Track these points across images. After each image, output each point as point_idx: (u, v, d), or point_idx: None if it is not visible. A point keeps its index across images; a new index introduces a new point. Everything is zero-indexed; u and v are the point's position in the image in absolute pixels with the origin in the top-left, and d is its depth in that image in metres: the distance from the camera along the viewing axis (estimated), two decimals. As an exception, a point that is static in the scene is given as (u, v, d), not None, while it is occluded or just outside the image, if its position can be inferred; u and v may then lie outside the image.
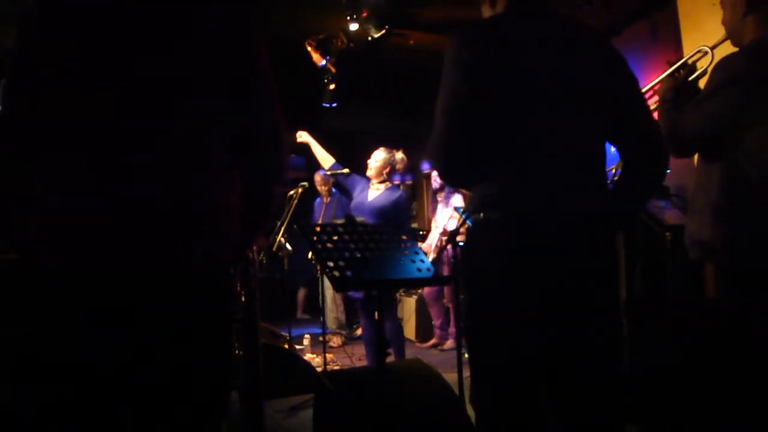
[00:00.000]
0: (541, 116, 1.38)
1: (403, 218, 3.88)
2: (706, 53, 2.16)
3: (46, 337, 1.07)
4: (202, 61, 1.20)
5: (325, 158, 4.07)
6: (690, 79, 2.14)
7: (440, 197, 5.42)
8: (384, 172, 3.91)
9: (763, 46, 1.83)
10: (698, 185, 1.95)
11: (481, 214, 1.39)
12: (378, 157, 3.93)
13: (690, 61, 2.18)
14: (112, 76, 1.13)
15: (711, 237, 1.86)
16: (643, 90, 1.97)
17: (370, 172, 3.95)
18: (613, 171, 2.53)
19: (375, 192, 3.89)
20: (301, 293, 7.58)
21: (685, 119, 1.92)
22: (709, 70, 1.97)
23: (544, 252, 1.32)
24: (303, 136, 4.01)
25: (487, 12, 1.57)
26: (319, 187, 5.91)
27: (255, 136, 1.29)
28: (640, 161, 1.49)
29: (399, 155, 4.04)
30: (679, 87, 2.10)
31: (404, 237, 1.93)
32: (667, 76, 2.19)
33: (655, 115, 2.04)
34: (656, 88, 2.23)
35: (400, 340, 3.88)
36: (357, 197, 3.94)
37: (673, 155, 1.81)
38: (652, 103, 2.16)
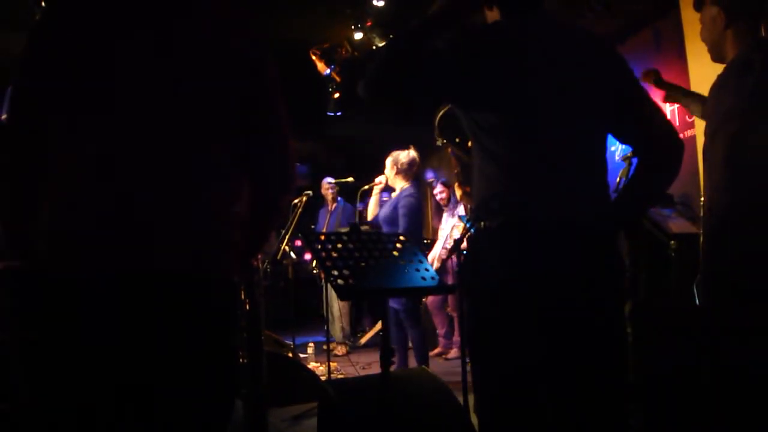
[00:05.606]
0: (543, 122, 1.37)
1: (402, 215, 3.78)
2: None
3: (47, 342, 1.08)
4: (208, 70, 1.21)
5: None
6: None
7: (446, 207, 5.44)
8: (397, 177, 3.90)
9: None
10: None
11: (482, 223, 1.39)
12: (386, 169, 3.95)
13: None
14: (118, 85, 1.14)
15: None
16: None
17: (391, 186, 3.96)
18: (618, 180, 2.53)
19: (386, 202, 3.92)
20: None
21: None
22: None
23: (545, 260, 1.31)
24: None
25: (490, 17, 1.57)
26: (324, 192, 5.91)
27: (262, 146, 1.30)
28: (655, 156, 1.48)
29: (398, 154, 3.96)
30: None
31: (407, 242, 1.93)
32: None
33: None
34: None
35: (425, 347, 3.95)
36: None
37: None
38: None
